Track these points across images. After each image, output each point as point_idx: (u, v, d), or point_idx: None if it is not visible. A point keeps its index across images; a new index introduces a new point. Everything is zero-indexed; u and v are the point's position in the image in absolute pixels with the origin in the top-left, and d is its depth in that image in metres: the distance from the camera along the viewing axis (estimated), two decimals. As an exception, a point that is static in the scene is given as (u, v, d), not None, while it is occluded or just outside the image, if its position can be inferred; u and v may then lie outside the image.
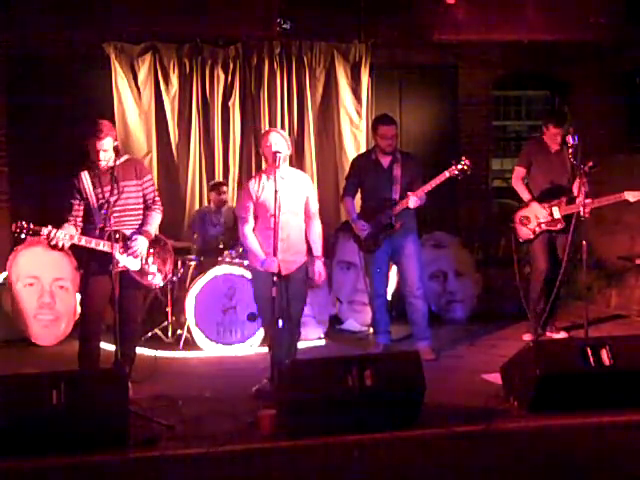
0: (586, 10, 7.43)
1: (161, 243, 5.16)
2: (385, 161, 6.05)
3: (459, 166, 5.80)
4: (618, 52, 7.82)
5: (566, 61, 8.12)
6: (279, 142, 4.99)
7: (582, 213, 5.49)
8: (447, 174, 5.82)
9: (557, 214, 6.17)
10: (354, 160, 6.46)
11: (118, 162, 4.88)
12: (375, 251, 6.00)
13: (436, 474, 3.78)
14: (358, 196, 6.24)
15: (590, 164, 5.64)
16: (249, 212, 5.07)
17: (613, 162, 7.62)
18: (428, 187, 5.88)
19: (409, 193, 5.88)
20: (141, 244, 4.92)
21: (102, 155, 4.77)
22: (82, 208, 4.88)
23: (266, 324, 5.13)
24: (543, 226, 6.23)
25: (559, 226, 6.18)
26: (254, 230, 5.09)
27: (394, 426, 4.11)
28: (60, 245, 4.70)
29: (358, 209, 6.19)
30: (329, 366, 4.28)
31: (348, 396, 4.12)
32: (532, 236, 6.28)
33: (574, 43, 7.73)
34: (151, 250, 5.03)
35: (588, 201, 5.63)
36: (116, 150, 4.90)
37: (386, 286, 6.30)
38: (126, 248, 4.87)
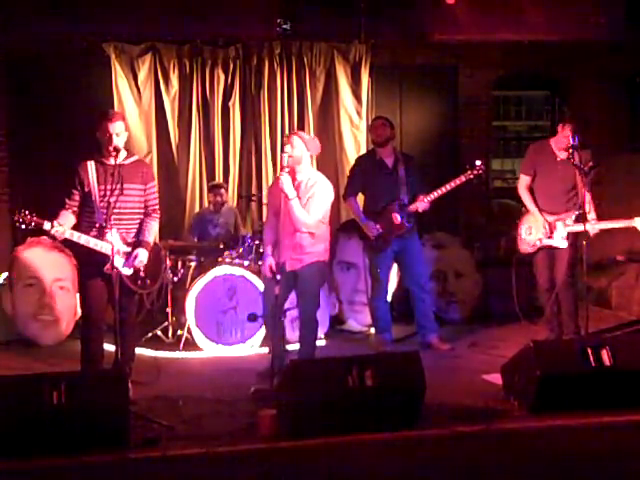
0: (586, 10, 7.44)
1: (155, 251, 5.12)
2: (389, 161, 6.10)
3: (475, 171, 5.86)
4: (618, 52, 7.83)
5: (566, 61, 8.11)
6: (295, 145, 5.09)
7: (590, 234, 5.32)
8: (463, 178, 5.88)
9: (562, 231, 5.69)
10: (358, 160, 6.48)
11: (127, 161, 4.88)
12: (384, 250, 6.03)
13: (436, 474, 3.77)
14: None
15: (590, 164, 5.63)
16: (272, 208, 5.32)
17: (613, 162, 7.61)
18: (443, 190, 5.92)
19: (421, 196, 5.93)
20: (142, 257, 4.89)
21: (115, 139, 4.72)
22: (80, 198, 4.83)
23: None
24: (544, 241, 5.81)
25: (559, 245, 5.73)
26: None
27: (394, 426, 4.11)
28: (61, 238, 4.71)
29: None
30: (329, 366, 4.29)
31: (348, 396, 4.13)
32: (530, 250, 5.89)
33: (574, 43, 7.72)
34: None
35: (593, 220, 5.46)
36: (127, 148, 4.92)
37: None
38: (126, 258, 4.85)
